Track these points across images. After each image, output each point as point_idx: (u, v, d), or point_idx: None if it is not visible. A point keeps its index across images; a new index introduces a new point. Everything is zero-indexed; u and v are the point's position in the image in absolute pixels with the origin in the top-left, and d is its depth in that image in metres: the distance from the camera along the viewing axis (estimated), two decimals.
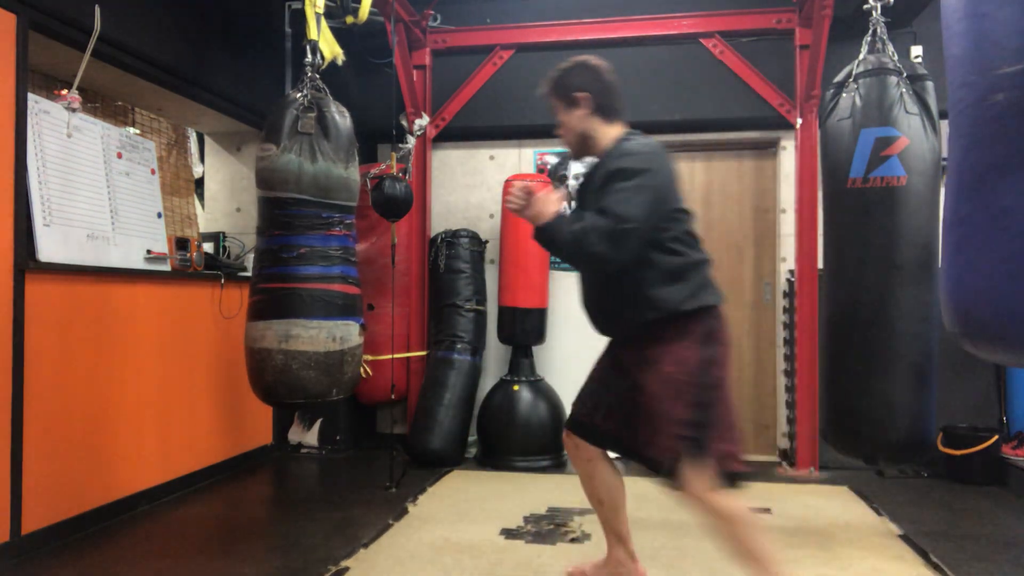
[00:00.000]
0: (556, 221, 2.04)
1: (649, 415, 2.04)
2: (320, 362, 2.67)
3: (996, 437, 3.84)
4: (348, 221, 2.84)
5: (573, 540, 2.95)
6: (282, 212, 2.69)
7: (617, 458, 2.35)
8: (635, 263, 2.04)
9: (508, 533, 3.04)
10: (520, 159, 4.88)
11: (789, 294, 4.43)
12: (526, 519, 3.23)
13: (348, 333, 2.77)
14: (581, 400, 2.34)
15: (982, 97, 1.39)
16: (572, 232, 1.99)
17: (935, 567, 2.64)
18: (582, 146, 2.26)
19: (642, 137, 2.20)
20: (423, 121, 4.61)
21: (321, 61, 2.92)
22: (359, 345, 2.85)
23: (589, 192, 2.19)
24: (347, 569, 2.63)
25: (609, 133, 2.21)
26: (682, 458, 1.97)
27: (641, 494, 3.64)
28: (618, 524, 2.36)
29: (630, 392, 2.13)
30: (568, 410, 4.30)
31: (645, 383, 2.06)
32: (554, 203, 2.05)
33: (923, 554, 2.77)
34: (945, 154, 4.52)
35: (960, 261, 1.46)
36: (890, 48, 2.76)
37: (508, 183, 4.44)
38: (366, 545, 2.87)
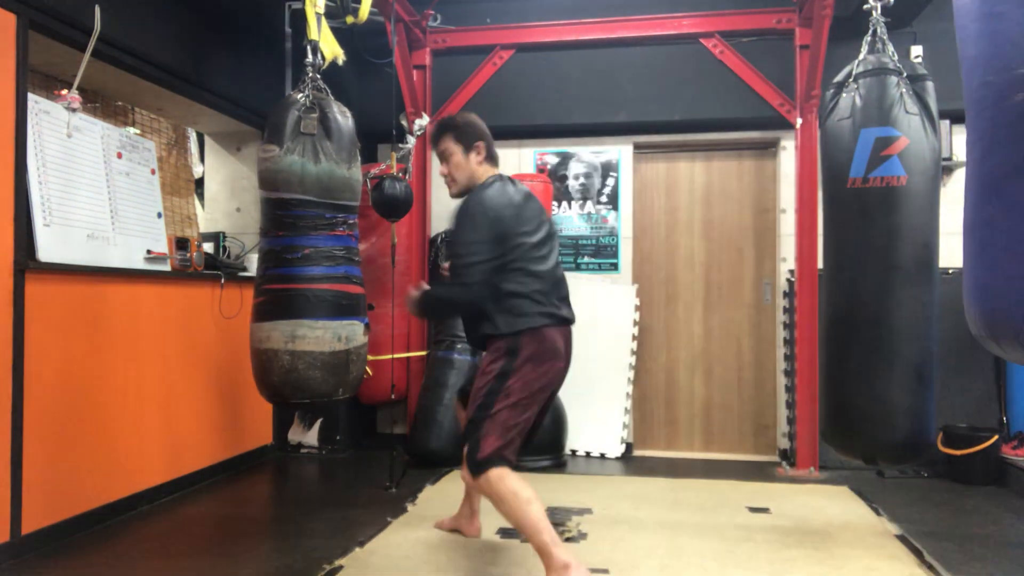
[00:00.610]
0: (419, 294, 2.57)
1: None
2: (326, 362, 2.68)
3: (996, 437, 3.84)
4: (351, 221, 2.84)
5: (569, 539, 2.95)
6: (286, 213, 2.69)
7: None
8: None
9: (504, 532, 3.04)
10: (520, 159, 4.88)
11: (789, 294, 4.43)
12: None
13: (353, 333, 2.77)
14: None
15: (1002, 97, 1.37)
16: (429, 300, 2.61)
17: (928, 567, 2.64)
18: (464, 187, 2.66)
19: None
20: (423, 121, 4.61)
21: (321, 61, 2.92)
22: (364, 345, 2.86)
23: None
24: (340, 568, 2.63)
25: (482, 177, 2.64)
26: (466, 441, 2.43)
27: (640, 494, 3.65)
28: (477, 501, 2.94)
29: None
30: (568, 411, 4.31)
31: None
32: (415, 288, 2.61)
33: (917, 554, 2.77)
34: (946, 154, 4.52)
35: (984, 263, 1.45)
36: (890, 48, 2.76)
37: None
38: (362, 544, 2.87)
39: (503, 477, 2.32)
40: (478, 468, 2.34)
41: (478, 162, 2.62)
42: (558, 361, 2.49)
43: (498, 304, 2.43)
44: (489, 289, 2.41)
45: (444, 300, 2.62)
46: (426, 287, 2.59)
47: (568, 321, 2.58)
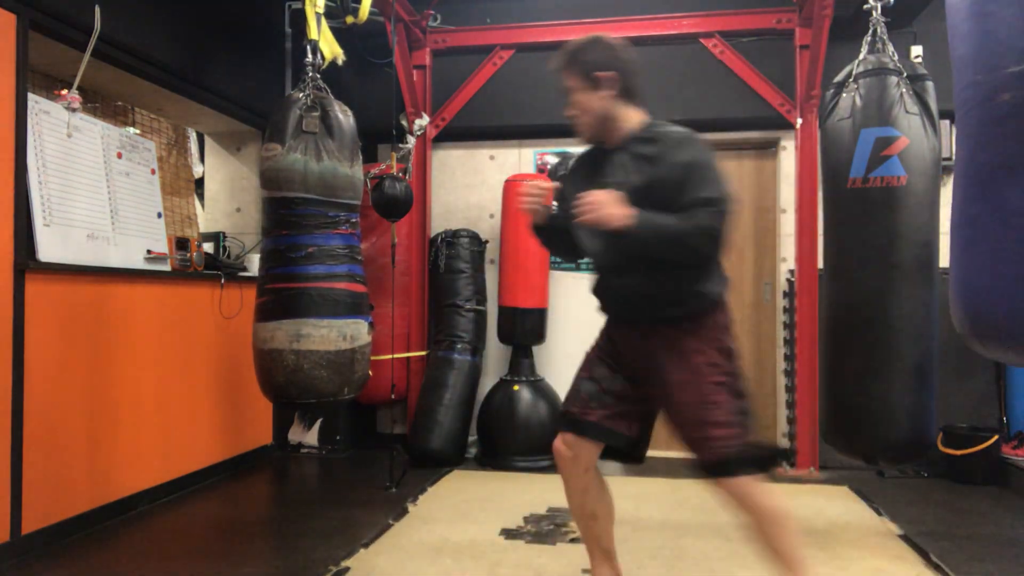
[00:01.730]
0: (649, 218, 1.88)
1: (694, 410, 1.94)
2: (332, 361, 2.67)
3: (996, 437, 3.84)
4: (354, 220, 2.84)
5: (573, 540, 2.95)
6: (288, 212, 2.68)
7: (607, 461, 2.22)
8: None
9: (508, 533, 3.04)
10: (520, 159, 4.88)
11: (789, 294, 4.43)
12: (526, 519, 3.23)
13: (358, 331, 2.77)
14: (580, 400, 2.12)
15: (989, 97, 1.38)
16: (681, 230, 1.87)
17: (935, 567, 2.64)
18: (599, 130, 2.07)
19: (670, 123, 2.06)
20: (423, 121, 4.61)
21: (321, 61, 2.92)
22: (368, 343, 2.85)
23: (602, 181, 2.01)
24: (347, 569, 2.63)
25: (633, 117, 2.06)
26: (736, 452, 1.89)
27: (641, 494, 3.65)
28: (609, 540, 2.20)
29: (658, 387, 2.01)
30: None
31: (682, 376, 1.95)
32: (619, 200, 1.89)
33: (923, 554, 2.77)
34: (946, 154, 4.53)
35: (969, 262, 1.45)
36: (890, 48, 2.76)
37: (514, 184, 4.44)
38: (366, 545, 2.87)
39: (771, 491, 1.96)
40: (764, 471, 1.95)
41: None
42: None
43: (710, 268, 2.00)
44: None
45: (682, 231, 1.87)
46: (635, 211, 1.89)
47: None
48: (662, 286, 1.98)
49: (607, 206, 1.88)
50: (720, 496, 1.95)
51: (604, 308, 2.17)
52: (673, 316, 1.99)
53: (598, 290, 2.17)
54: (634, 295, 2.03)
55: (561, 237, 2.21)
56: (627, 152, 2.03)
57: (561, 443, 2.14)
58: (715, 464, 1.91)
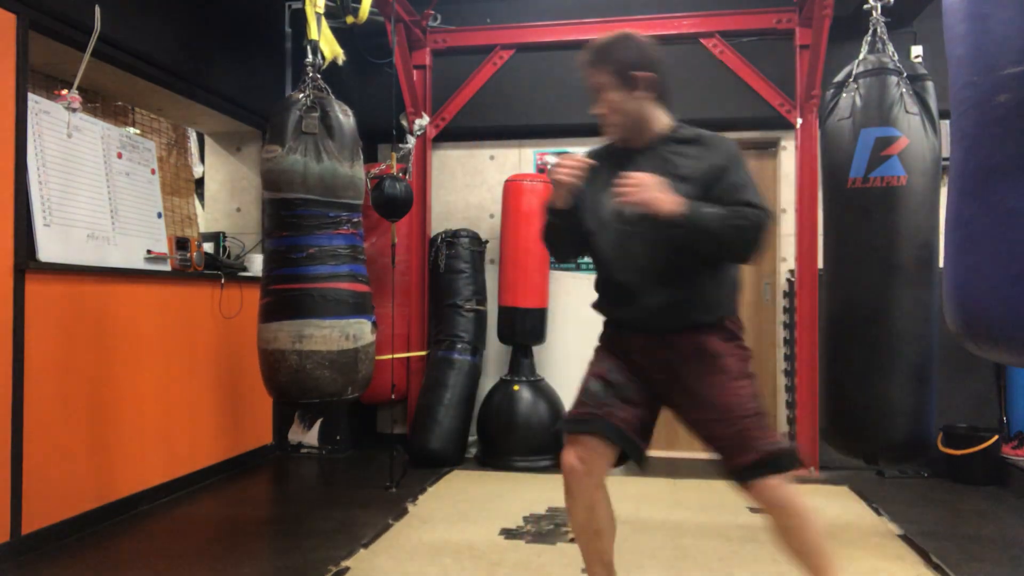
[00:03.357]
0: (701, 206, 1.84)
1: (726, 412, 1.90)
2: (334, 361, 2.67)
3: (996, 437, 3.84)
4: (355, 219, 2.84)
5: (573, 540, 2.94)
6: (289, 213, 2.68)
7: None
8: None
9: (508, 533, 3.04)
10: (520, 159, 4.88)
11: (789, 294, 4.43)
12: (526, 519, 3.23)
13: (361, 331, 2.76)
14: (595, 401, 2.02)
15: (985, 98, 1.38)
16: (731, 223, 1.84)
17: (935, 567, 2.64)
18: (631, 130, 2.02)
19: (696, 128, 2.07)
20: (423, 121, 4.61)
21: (322, 61, 2.92)
22: (372, 343, 2.85)
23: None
24: (347, 569, 2.63)
25: (662, 120, 2.03)
26: (770, 453, 1.85)
27: (641, 494, 3.65)
28: (610, 555, 2.10)
29: (684, 393, 1.97)
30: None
31: (713, 379, 1.93)
32: (666, 186, 1.85)
33: (923, 554, 2.77)
34: (946, 154, 4.52)
35: (964, 263, 1.46)
36: (890, 48, 2.76)
37: (514, 184, 4.45)
38: (366, 545, 2.87)
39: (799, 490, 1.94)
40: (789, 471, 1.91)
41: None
42: None
43: (734, 279, 2.07)
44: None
45: (735, 224, 1.86)
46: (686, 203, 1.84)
47: None
48: (694, 293, 1.97)
49: (654, 188, 1.83)
50: (753, 498, 1.90)
51: (621, 319, 2.07)
52: (701, 322, 1.98)
53: (613, 300, 2.07)
54: (665, 304, 1.97)
55: (571, 230, 2.10)
56: (657, 153, 2.00)
57: (574, 457, 1.99)
58: (752, 465, 1.85)
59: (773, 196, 4.64)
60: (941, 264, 2.68)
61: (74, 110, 3.01)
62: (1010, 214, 1.34)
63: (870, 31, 2.79)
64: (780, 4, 4.29)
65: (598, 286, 2.13)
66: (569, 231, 2.09)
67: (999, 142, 1.36)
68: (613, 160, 2.05)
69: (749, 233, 1.87)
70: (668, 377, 1.99)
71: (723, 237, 1.86)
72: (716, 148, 1.97)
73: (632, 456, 2.03)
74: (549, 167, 2.06)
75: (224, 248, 4.38)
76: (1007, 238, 1.34)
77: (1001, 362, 1.62)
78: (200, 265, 3.79)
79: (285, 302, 2.67)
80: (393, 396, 4.21)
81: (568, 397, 3.90)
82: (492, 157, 4.90)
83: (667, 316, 1.98)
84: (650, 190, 1.82)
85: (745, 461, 1.86)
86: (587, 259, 2.22)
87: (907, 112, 2.61)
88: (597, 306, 2.14)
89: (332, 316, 2.67)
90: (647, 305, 1.98)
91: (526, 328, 4.38)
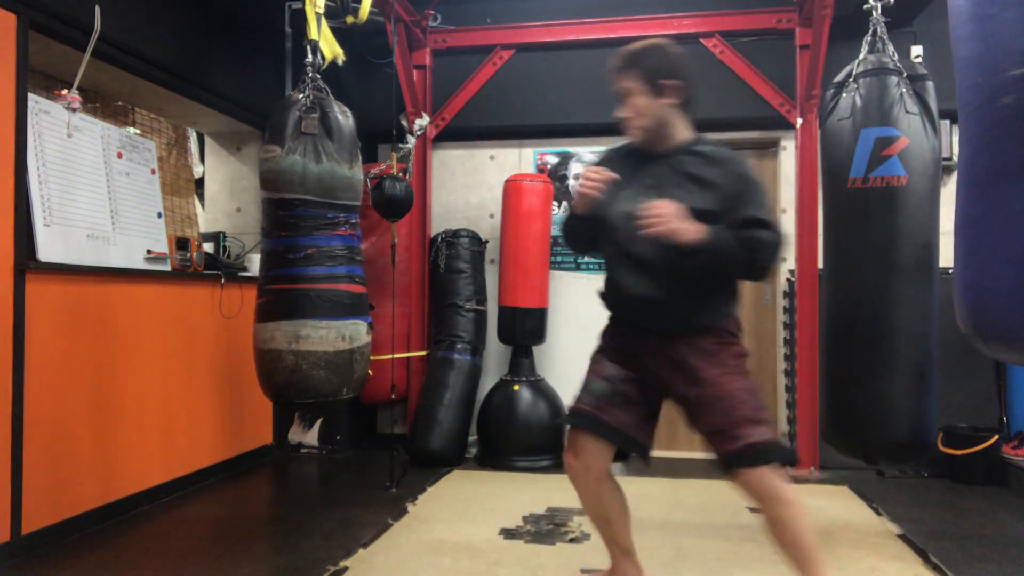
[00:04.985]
0: (720, 233, 1.93)
1: (724, 402, 1.98)
2: (330, 362, 2.67)
3: (996, 437, 3.84)
4: (353, 220, 2.84)
5: (572, 540, 2.95)
6: (287, 213, 2.68)
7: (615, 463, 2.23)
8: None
9: (507, 533, 3.04)
10: (520, 159, 4.88)
11: (789, 294, 4.42)
12: (525, 519, 3.23)
13: (357, 332, 2.77)
14: (594, 398, 2.12)
15: (991, 99, 1.38)
16: (748, 247, 1.95)
17: (935, 567, 2.64)
18: (652, 136, 2.08)
19: (715, 142, 2.14)
20: (423, 121, 4.61)
21: (321, 61, 2.92)
22: (367, 344, 2.85)
23: (659, 193, 2.01)
24: (346, 569, 2.63)
25: (684, 129, 2.10)
26: (766, 442, 1.92)
27: (641, 494, 3.64)
28: (625, 539, 2.26)
29: (684, 386, 2.04)
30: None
31: (712, 372, 2.01)
32: (685, 214, 1.93)
33: (922, 554, 2.77)
34: (946, 154, 4.53)
35: (973, 263, 1.46)
36: (890, 48, 2.76)
37: (514, 184, 4.44)
38: (365, 545, 2.87)
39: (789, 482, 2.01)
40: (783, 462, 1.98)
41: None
42: None
43: (735, 288, 2.18)
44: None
45: (752, 248, 1.96)
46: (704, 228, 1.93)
47: None
48: (702, 298, 2.07)
49: (675, 220, 1.91)
50: (745, 488, 1.96)
51: (628, 318, 2.16)
52: (704, 323, 2.07)
53: (622, 300, 2.15)
54: (671, 307, 2.06)
55: (591, 231, 2.19)
56: (674, 162, 2.07)
57: (571, 456, 2.16)
58: (737, 453, 1.92)
59: (773, 196, 4.64)
60: (941, 264, 2.71)
61: (74, 110, 3.02)
62: (1017, 214, 1.34)
63: (870, 31, 2.79)
64: (780, 4, 4.28)
65: (608, 284, 2.21)
66: (587, 232, 2.21)
67: (1005, 143, 1.36)
68: (630, 163, 2.13)
69: (764, 256, 1.99)
70: (670, 374, 2.08)
71: (740, 260, 1.97)
72: (732, 166, 2.04)
73: (631, 452, 2.14)
74: (575, 178, 2.16)
75: (224, 248, 4.39)
76: (1016, 239, 1.35)
77: (1011, 363, 1.63)
78: (200, 265, 3.79)
79: (282, 302, 2.67)
80: (393, 396, 4.21)
81: (568, 397, 3.91)
82: (492, 157, 4.90)
83: (672, 318, 2.07)
84: (672, 221, 1.90)
85: (732, 448, 1.93)
86: (585, 259, 2.29)
87: (907, 112, 2.61)
88: (605, 301, 2.23)
89: (328, 317, 2.67)
90: (653, 307, 2.07)
91: (526, 328, 4.38)
